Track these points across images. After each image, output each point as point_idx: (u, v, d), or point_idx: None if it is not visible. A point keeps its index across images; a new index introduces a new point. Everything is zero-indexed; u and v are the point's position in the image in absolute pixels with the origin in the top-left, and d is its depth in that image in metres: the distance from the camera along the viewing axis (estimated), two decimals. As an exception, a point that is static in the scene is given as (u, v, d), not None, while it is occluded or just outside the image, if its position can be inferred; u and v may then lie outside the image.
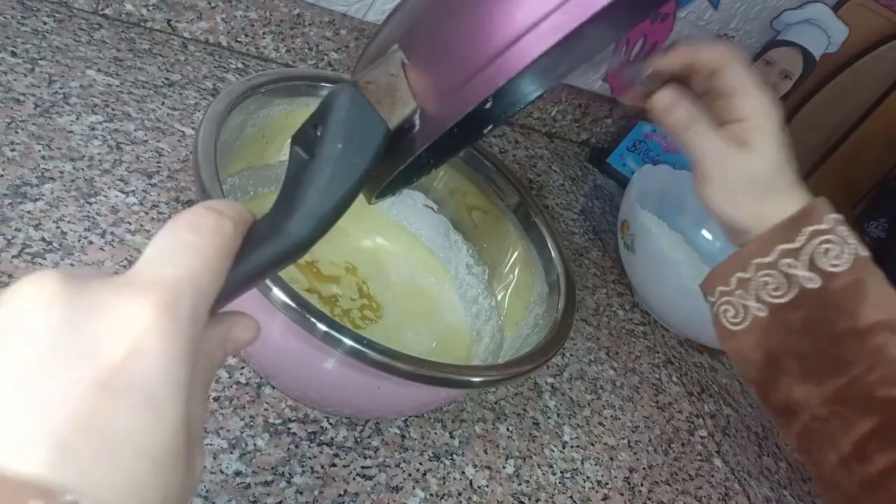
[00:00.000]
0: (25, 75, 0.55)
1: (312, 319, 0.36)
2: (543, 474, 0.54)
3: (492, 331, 0.55)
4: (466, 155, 0.59)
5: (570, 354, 0.67)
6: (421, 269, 0.60)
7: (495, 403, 0.57)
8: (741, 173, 0.39)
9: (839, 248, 0.37)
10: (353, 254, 0.57)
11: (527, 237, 0.56)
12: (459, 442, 0.52)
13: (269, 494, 0.41)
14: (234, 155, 0.48)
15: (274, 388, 0.46)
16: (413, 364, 0.38)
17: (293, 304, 0.36)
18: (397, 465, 0.47)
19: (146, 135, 0.57)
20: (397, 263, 0.59)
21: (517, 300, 0.55)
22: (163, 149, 0.57)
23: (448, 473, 0.49)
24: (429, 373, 0.39)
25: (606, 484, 0.57)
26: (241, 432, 0.43)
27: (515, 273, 0.57)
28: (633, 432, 0.64)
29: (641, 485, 0.59)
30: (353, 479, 0.45)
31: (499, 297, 0.57)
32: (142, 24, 0.68)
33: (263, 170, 0.54)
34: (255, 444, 0.43)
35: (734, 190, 0.40)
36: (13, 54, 0.56)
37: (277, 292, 0.36)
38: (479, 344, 0.55)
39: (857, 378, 0.37)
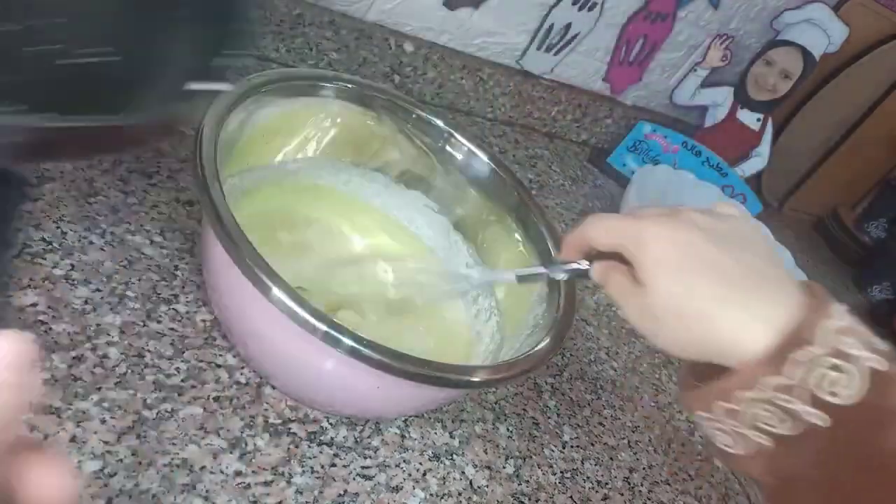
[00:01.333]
0: (25, 75, 0.55)
1: (312, 319, 0.36)
2: (543, 474, 0.54)
3: (492, 331, 0.55)
4: (466, 155, 0.59)
5: (570, 354, 0.67)
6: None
7: (495, 403, 0.57)
8: (645, 308, 0.35)
9: (846, 374, 0.30)
10: (352, 252, 0.57)
11: (526, 237, 0.56)
12: (459, 442, 0.52)
13: (269, 494, 0.41)
14: (234, 155, 0.48)
15: (274, 388, 0.46)
16: (413, 364, 0.38)
17: (292, 304, 0.36)
18: (397, 465, 0.47)
19: (146, 135, 0.57)
20: (397, 262, 0.59)
21: (517, 300, 0.55)
22: (163, 149, 0.57)
23: (448, 473, 0.49)
24: (428, 372, 0.39)
25: (606, 484, 0.57)
26: (241, 432, 0.43)
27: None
28: (633, 432, 0.64)
29: (641, 485, 0.59)
30: (353, 479, 0.45)
31: (499, 297, 0.57)
32: (142, 24, 0.68)
33: (263, 170, 0.54)
34: (255, 444, 0.43)
35: (657, 326, 0.35)
36: (13, 54, 0.56)
37: (277, 292, 0.36)
38: (478, 344, 0.55)
39: None
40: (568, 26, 0.92)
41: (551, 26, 0.90)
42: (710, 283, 0.33)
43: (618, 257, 0.37)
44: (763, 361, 0.31)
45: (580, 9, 0.90)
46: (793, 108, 1.20)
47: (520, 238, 0.57)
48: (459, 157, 0.59)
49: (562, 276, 0.43)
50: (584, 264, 0.41)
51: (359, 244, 0.59)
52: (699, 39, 1.04)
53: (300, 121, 0.55)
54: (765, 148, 1.08)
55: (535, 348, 0.46)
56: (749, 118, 1.07)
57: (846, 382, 0.30)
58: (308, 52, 0.78)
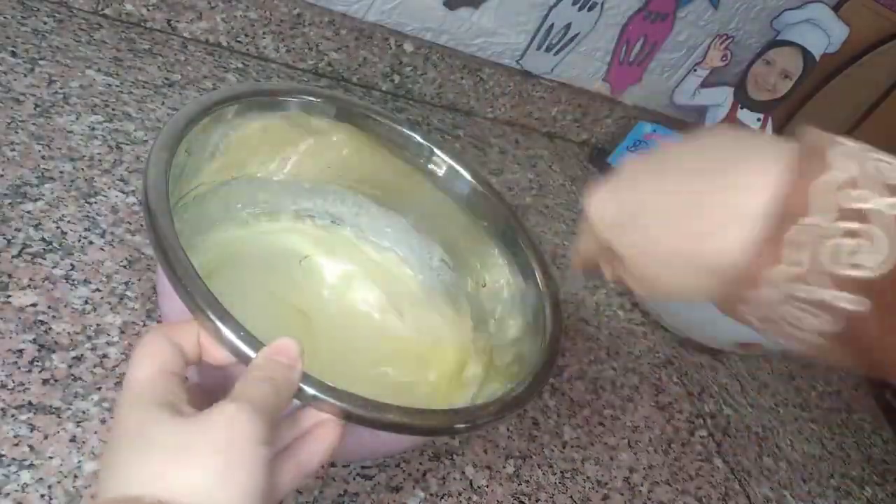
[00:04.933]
0: (25, 75, 0.55)
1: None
2: (543, 474, 0.54)
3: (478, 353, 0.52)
4: (447, 171, 0.54)
5: (570, 354, 0.67)
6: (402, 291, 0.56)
7: (495, 403, 0.57)
8: (642, 279, 0.32)
9: (865, 237, 0.23)
10: (332, 278, 0.54)
11: (513, 262, 0.52)
12: (459, 442, 0.52)
13: (269, 494, 0.41)
14: (197, 173, 0.45)
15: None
16: (399, 414, 0.33)
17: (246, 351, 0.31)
18: (397, 465, 0.47)
19: (146, 135, 0.57)
20: (376, 287, 0.55)
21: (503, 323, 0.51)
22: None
23: (448, 473, 0.49)
24: (411, 422, 0.34)
25: (606, 484, 0.57)
26: (241, 432, 0.43)
27: (504, 295, 0.53)
28: (633, 432, 0.64)
29: (641, 485, 0.59)
30: (353, 479, 0.45)
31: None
32: (142, 24, 0.68)
33: (225, 193, 0.50)
34: (255, 444, 0.43)
35: (662, 284, 0.31)
36: (13, 54, 0.56)
37: (227, 332, 0.31)
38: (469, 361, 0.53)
39: None
40: (568, 26, 0.92)
41: (551, 26, 0.90)
42: (660, 220, 0.28)
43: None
44: (757, 252, 0.25)
45: (580, 9, 0.90)
46: (793, 108, 1.20)
47: (505, 263, 0.52)
48: (440, 172, 0.54)
49: (579, 287, 0.41)
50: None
51: (332, 274, 0.54)
52: (699, 39, 1.04)
53: (269, 139, 0.50)
54: (765, 148, 1.08)
55: (512, 392, 0.40)
56: (749, 118, 1.07)
57: (870, 248, 0.23)
58: (308, 52, 0.78)
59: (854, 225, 0.23)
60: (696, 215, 0.27)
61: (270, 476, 0.27)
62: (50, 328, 0.41)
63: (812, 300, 0.25)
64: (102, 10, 0.66)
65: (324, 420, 0.31)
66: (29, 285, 0.42)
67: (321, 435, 0.31)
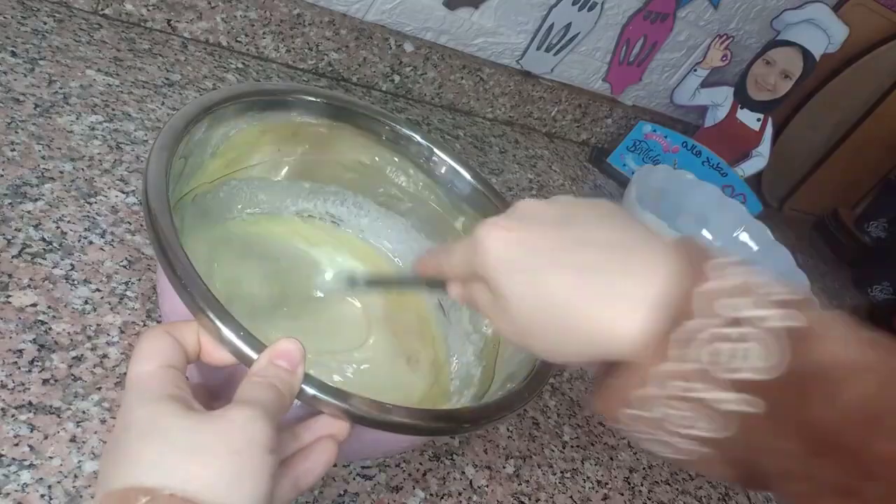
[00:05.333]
0: (25, 75, 0.55)
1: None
2: (543, 474, 0.54)
3: (469, 357, 0.52)
4: (448, 170, 0.54)
5: (570, 354, 0.67)
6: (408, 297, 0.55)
7: (495, 403, 0.57)
8: (510, 321, 0.31)
9: (747, 342, 0.24)
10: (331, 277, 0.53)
11: None
12: (459, 442, 0.52)
13: (269, 494, 0.41)
14: (196, 172, 0.44)
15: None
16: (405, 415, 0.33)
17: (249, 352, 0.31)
18: (397, 465, 0.47)
19: (146, 135, 0.57)
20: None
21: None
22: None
23: (448, 473, 0.49)
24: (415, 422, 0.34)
25: (606, 484, 0.57)
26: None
27: None
28: (633, 432, 0.64)
29: (641, 485, 0.59)
30: (353, 479, 0.45)
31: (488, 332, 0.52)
32: (142, 24, 0.68)
33: (223, 193, 0.50)
34: (255, 444, 0.43)
35: (527, 335, 0.30)
36: (13, 54, 0.56)
37: (227, 332, 0.31)
38: (452, 364, 0.52)
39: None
40: (568, 26, 0.92)
41: (551, 26, 0.90)
42: (558, 273, 0.28)
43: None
44: (646, 350, 0.26)
45: (580, 9, 0.90)
46: (793, 108, 1.20)
47: None
48: (440, 172, 0.54)
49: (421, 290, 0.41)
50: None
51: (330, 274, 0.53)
52: (699, 39, 1.04)
53: (269, 139, 0.50)
54: (765, 148, 1.08)
55: (516, 388, 0.40)
56: (749, 118, 1.07)
57: (750, 353, 0.24)
58: (308, 52, 0.78)
59: (734, 330, 0.24)
60: (591, 292, 0.27)
61: (273, 486, 0.27)
62: (50, 328, 0.41)
63: (698, 400, 0.25)
64: (102, 10, 0.66)
65: (322, 437, 0.32)
66: (29, 285, 0.42)
67: (319, 452, 0.31)
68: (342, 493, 0.44)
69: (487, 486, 0.50)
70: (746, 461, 0.26)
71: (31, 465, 0.35)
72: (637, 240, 0.28)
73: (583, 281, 0.27)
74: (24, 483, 0.34)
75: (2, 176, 0.47)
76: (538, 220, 0.30)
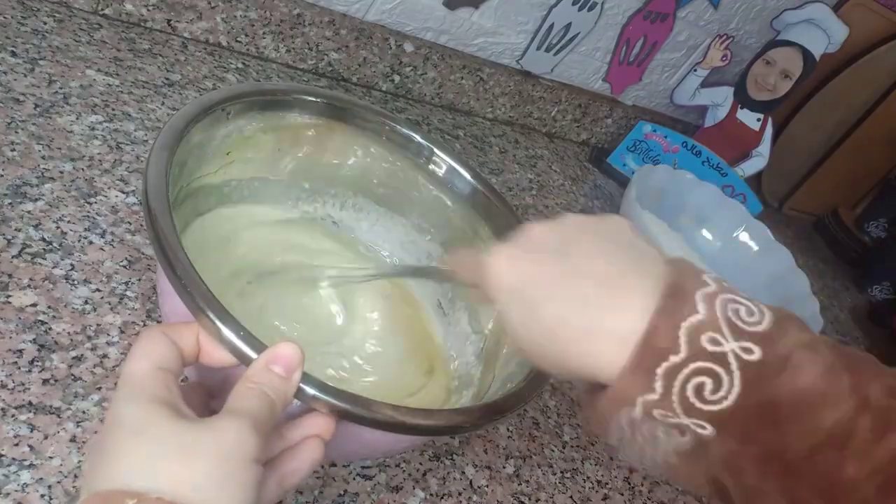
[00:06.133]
0: (25, 75, 0.55)
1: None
2: (543, 474, 0.54)
3: (470, 356, 0.52)
4: (447, 171, 0.53)
5: (570, 354, 0.67)
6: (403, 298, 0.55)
7: (495, 403, 0.57)
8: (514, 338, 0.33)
9: (719, 376, 0.26)
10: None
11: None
12: (459, 442, 0.52)
13: (269, 494, 0.41)
14: (193, 170, 0.44)
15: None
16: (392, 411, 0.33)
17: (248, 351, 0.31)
18: (397, 465, 0.47)
19: (146, 135, 0.57)
20: (375, 291, 0.54)
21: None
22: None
23: (448, 473, 0.49)
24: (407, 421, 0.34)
25: (606, 484, 0.57)
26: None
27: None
28: (633, 432, 0.64)
29: (641, 485, 0.59)
30: (353, 479, 0.45)
31: (486, 332, 0.52)
32: (142, 24, 0.68)
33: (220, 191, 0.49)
34: (255, 444, 0.43)
35: (529, 350, 0.32)
36: (13, 54, 0.56)
37: (227, 332, 0.31)
38: (452, 364, 0.52)
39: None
40: (568, 26, 0.92)
41: (551, 26, 0.90)
42: (553, 306, 0.30)
43: None
44: (633, 381, 0.28)
45: (580, 9, 0.90)
46: (793, 108, 1.20)
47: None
48: (440, 172, 0.54)
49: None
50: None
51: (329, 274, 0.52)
52: (699, 39, 1.04)
53: (269, 139, 0.49)
54: (765, 148, 1.09)
55: (514, 388, 0.40)
56: (749, 118, 1.07)
57: (718, 385, 0.26)
58: (308, 52, 0.78)
59: (710, 365, 0.26)
60: (582, 325, 0.29)
61: (259, 492, 0.27)
62: (50, 328, 0.41)
63: (678, 425, 0.27)
64: (102, 10, 0.66)
65: (309, 437, 0.32)
66: (29, 285, 0.42)
67: (306, 451, 0.31)
68: (342, 493, 0.44)
69: (487, 486, 0.50)
70: (718, 481, 0.29)
71: (31, 465, 0.35)
72: (630, 271, 0.30)
73: (575, 315, 0.29)
74: (24, 483, 0.34)
75: (2, 176, 0.47)
76: (541, 248, 0.32)
